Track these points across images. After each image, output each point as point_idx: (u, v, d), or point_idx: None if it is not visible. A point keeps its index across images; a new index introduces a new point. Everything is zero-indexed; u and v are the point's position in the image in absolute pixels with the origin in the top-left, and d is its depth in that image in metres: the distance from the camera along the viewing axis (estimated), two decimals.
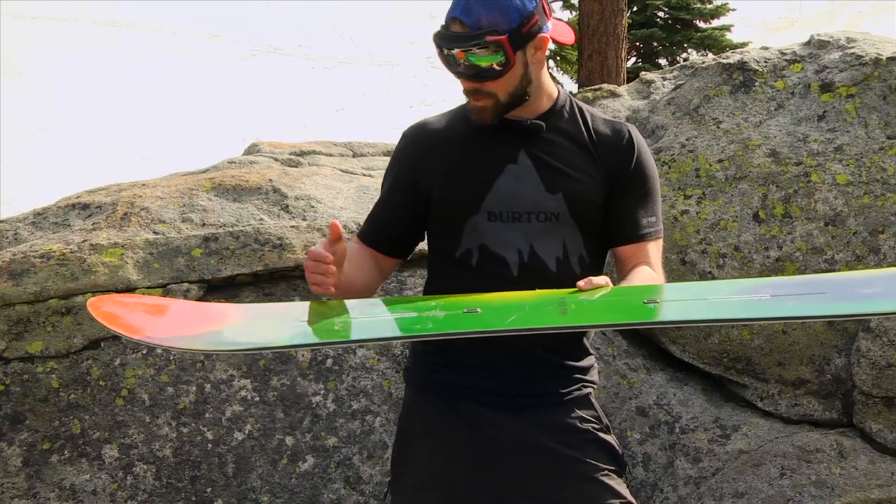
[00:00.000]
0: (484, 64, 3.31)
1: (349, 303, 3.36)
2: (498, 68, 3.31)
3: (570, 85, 15.97)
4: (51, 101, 21.41)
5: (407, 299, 3.40)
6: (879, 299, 3.15)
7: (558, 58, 16.00)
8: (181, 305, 3.62)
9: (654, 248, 3.48)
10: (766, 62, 5.59)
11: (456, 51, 3.30)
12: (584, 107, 3.53)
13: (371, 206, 3.62)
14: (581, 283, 3.20)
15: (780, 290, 3.28)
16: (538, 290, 3.29)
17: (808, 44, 5.68)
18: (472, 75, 3.33)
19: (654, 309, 3.16)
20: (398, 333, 3.27)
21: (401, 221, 3.52)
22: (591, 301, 3.16)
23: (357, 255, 3.48)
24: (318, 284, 3.21)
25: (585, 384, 3.50)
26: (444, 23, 3.36)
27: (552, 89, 3.50)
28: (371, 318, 3.26)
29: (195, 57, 24.00)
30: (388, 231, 3.53)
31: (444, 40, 3.32)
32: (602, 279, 3.23)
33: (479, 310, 3.15)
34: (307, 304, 3.39)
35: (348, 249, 3.43)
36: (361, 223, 3.70)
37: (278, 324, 3.27)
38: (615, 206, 3.45)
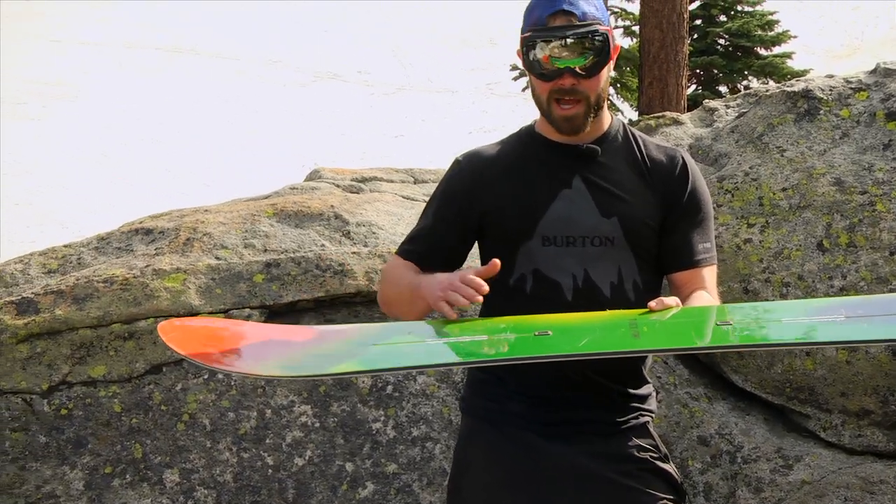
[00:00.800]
0: (592, 58, 3.32)
1: (417, 326, 3.35)
2: (603, 61, 3.33)
3: (630, 112, 15.95)
4: (113, 126, 21.59)
5: (475, 321, 3.37)
6: None
7: (618, 85, 15.97)
8: (251, 328, 3.62)
9: (710, 274, 3.47)
10: (830, 90, 5.55)
11: (564, 43, 3.30)
12: (637, 132, 3.54)
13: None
14: (652, 303, 3.18)
15: (854, 310, 3.22)
16: (608, 311, 3.27)
17: (873, 72, 5.63)
18: (579, 68, 3.32)
19: (727, 331, 3.12)
20: (469, 359, 3.24)
21: (446, 242, 3.51)
22: (663, 322, 3.13)
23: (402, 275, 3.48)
24: (456, 302, 3.19)
25: (643, 413, 3.49)
26: (536, 24, 3.35)
27: (607, 114, 3.50)
28: (440, 342, 3.24)
29: (256, 83, 24.15)
30: (430, 250, 3.50)
31: (553, 31, 3.32)
32: (672, 300, 3.20)
33: (549, 332, 3.12)
34: (374, 327, 3.39)
35: (395, 269, 3.47)
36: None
37: (344, 349, 3.26)
38: (670, 233, 3.44)
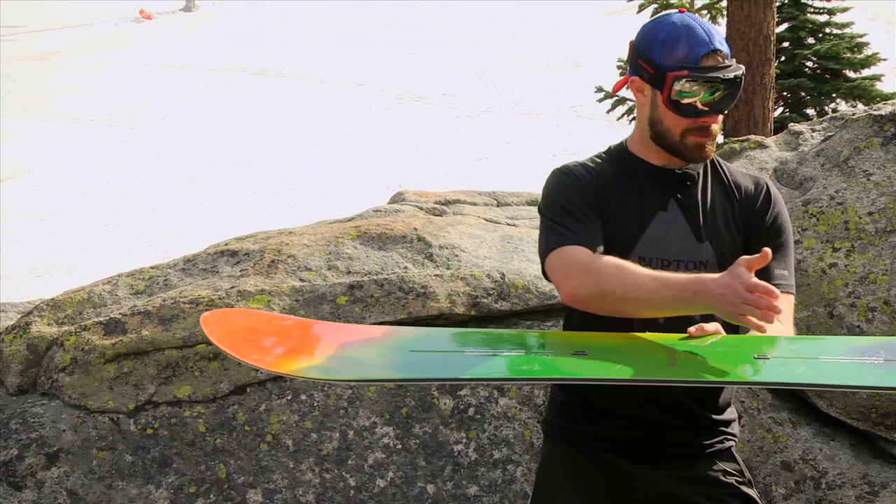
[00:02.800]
0: (729, 101, 3.38)
1: (450, 334, 3.35)
2: (734, 102, 3.39)
3: None
4: (201, 148, 21.80)
5: (513, 334, 3.38)
6: None
7: None
8: (296, 323, 3.64)
9: (785, 303, 3.39)
10: None
11: (713, 84, 3.33)
12: (720, 160, 3.56)
13: (516, 253, 3.60)
14: (692, 329, 3.19)
15: (892, 353, 3.12)
16: (651, 334, 3.26)
17: None
18: (727, 107, 3.39)
19: (762, 366, 3.09)
20: (504, 374, 3.23)
21: (598, 233, 3.42)
22: (702, 348, 3.12)
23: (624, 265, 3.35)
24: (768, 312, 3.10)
25: (728, 437, 3.49)
26: (687, 61, 3.35)
27: None
28: (479, 354, 3.24)
29: (342, 105, 24.28)
30: (592, 232, 3.39)
31: (710, 71, 3.33)
32: (713, 326, 3.21)
33: (586, 352, 3.14)
34: (412, 332, 3.40)
35: (603, 259, 3.31)
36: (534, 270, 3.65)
37: (383, 354, 3.28)
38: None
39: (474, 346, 3.27)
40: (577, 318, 3.45)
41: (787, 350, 3.24)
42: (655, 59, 3.39)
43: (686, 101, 3.35)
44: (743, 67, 3.36)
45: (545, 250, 3.40)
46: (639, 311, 3.27)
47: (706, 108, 3.35)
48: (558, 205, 3.42)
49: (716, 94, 3.34)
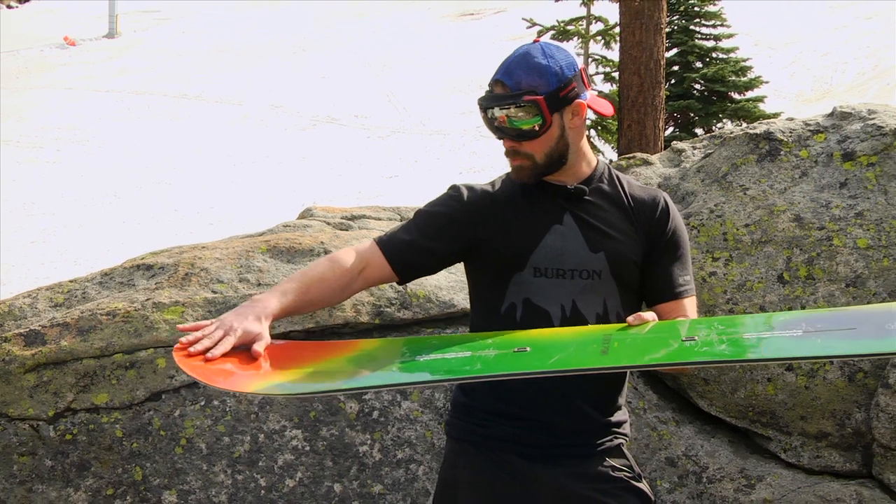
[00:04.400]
0: (524, 126, 3.39)
1: (405, 342, 3.37)
2: (536, 129, 3.39)
3: (610, 153, 16.02)
4: (124, 169, 21.66)
5: (465, 337, 3.41)
6: None
7: (599, 127, 16.07)
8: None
9: (690, 304, 3.57)
10: (791, 132, 5.61)
11: (497, 111, 3.39)
12: (620, 174, 3.61)
13: None
14: (630, 318, 3.28)
15: (814, 324, 3.20)
16: (589, 326, 3.33)
17: (831, 115, 5.69)
18: (512, 135, 3.41)
19: (690, 347, 3.16)
20: (449, 376, 3.26)
21: (425, 249, 3.52)
22: (636, 338, 3.18)
23: (334, 267, 3.46)
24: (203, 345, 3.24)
25: (617, 435, 3.55)
26: (488, 87, 3.46)
27: (591, 158, 3.57)
28: (425, 359, 3.27)
29: (259, 127, 24.22)
30: (408, 248, 3.51)
31: (486, 101, 3.44)
32: (650, 314, 3.30)
33: (528, 348, 3.18)
34: (359, 344, 3.42)
35: (336, 257, 3.49)
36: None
37: (331, 367, 3.29)
38: (653, 268, 3.52)
39: (420, 354, 3.29)
40: (485, 327, 3.51)
41: (714, 330, 3.31)
42: None
43: (486, 123, 3.47)
44: (530, 98, 3.37)
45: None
46: None
47: (498, 131, 3.45)
48: (423, 213, 3.58)
49: (500, 119, 3.41)
